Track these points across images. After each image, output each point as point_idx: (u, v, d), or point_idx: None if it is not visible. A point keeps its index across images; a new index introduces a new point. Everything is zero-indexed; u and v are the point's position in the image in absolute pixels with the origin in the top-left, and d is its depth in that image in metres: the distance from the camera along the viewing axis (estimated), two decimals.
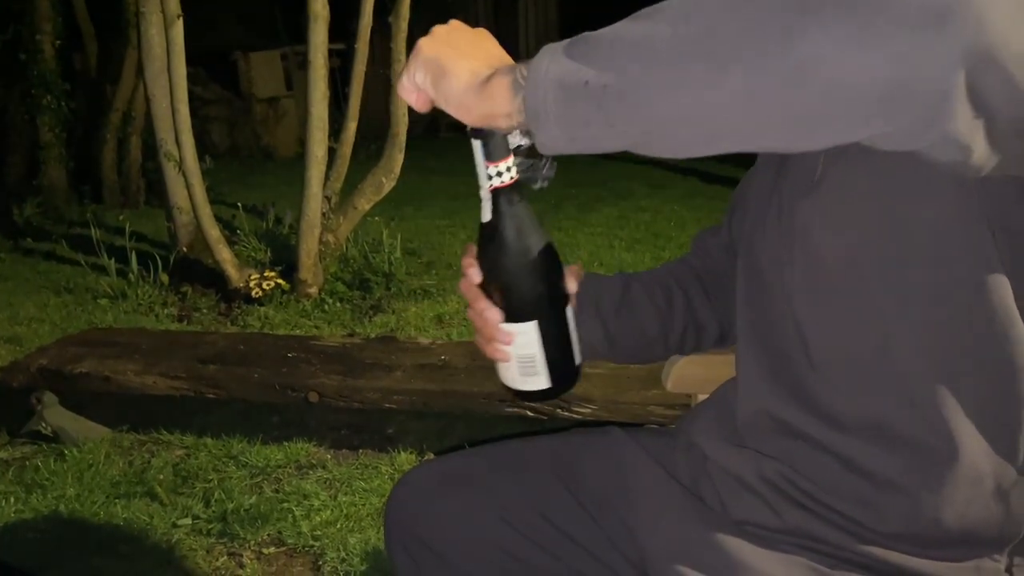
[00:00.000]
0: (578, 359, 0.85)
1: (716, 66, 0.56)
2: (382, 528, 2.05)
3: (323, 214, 4.03)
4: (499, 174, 0.76)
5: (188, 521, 2.13)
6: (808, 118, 0.55)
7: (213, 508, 2.18)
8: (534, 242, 0.79)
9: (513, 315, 0.80)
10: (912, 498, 0.73)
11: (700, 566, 0.81)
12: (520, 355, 0.82)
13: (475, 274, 0.81)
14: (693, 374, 1.08)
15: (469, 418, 2.49)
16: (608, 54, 0.61)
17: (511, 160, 0.76)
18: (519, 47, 11.02)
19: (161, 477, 2.33)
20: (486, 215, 0.78)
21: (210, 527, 2.10)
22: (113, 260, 4.27)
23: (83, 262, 4.47)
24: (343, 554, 1.97)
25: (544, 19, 10.98)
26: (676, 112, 0.59)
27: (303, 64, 3.90)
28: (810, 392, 0.79)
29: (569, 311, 0.83)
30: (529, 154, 0.77)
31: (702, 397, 1.13)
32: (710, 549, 0.82)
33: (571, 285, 0.85)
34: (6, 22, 6.32)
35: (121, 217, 4.71)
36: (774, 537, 0.80)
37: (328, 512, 2.14)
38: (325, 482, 2.30)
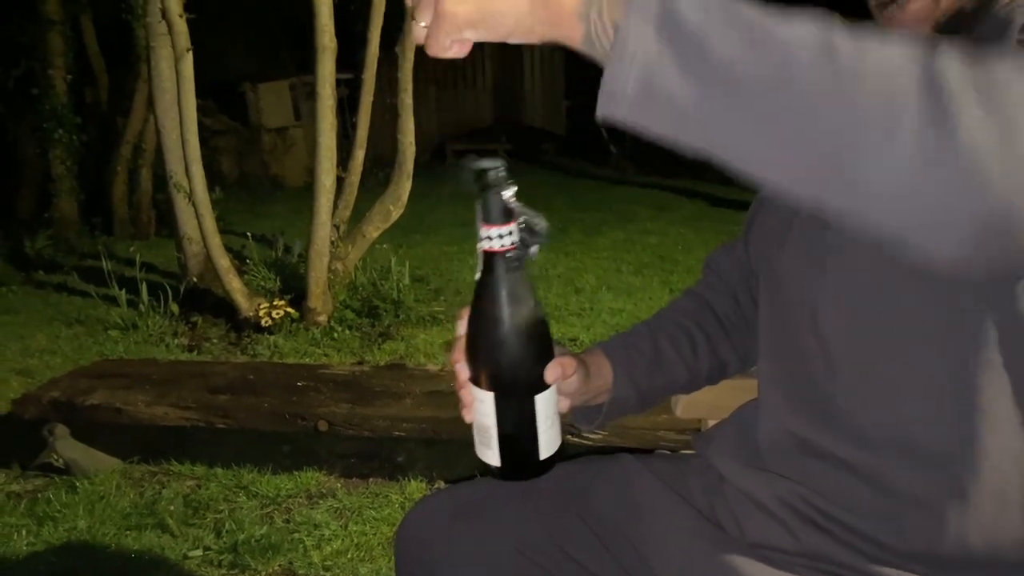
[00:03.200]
0: (544, 452, 0.80)
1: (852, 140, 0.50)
2: (393, 558, 2.05)
3: (332, 242, 4.05)
4: (490, 238, 0.74)
5: (199, 552, 2.13)
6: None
7: (224, 539, 2.17)
8: (513, 315, 0.76)
9: (476, 379, 0.78)
10: (936, 515, 0.72)
11: None
12: (479, 422, 0.79)
13: (461, 325, 0.80)
14: (702, 400, 1.08)
15: None
16: (720, 74, 0.51)
17: (507, 229, 0.74)
18: (524, 81, 11.11)
19: (172, 508, 2.33)
20: (477, 272, 0.77)
21: (221, 558, 2.10)
22: (124, 291, 4.29)
23: (94, 293, 4.51)
24: None
25: (551, 64, 11.08)
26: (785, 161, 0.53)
27: (311, 94, 3.96)
28: (833, 409, 0.79)
29: (544, 400, 0.78)
30: (528, 236, 0.77)
31: (711, 422, 1.13)
32: (723, 573, 0.82)
33: (551, 375, 0.79)
34: (18, 57, 6.42)
35: (132, 248, 4.75)
36: (790, 560, 0.80)
37: (339, 542, 2.13)
38: (335, 511, 2.30)
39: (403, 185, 4.24)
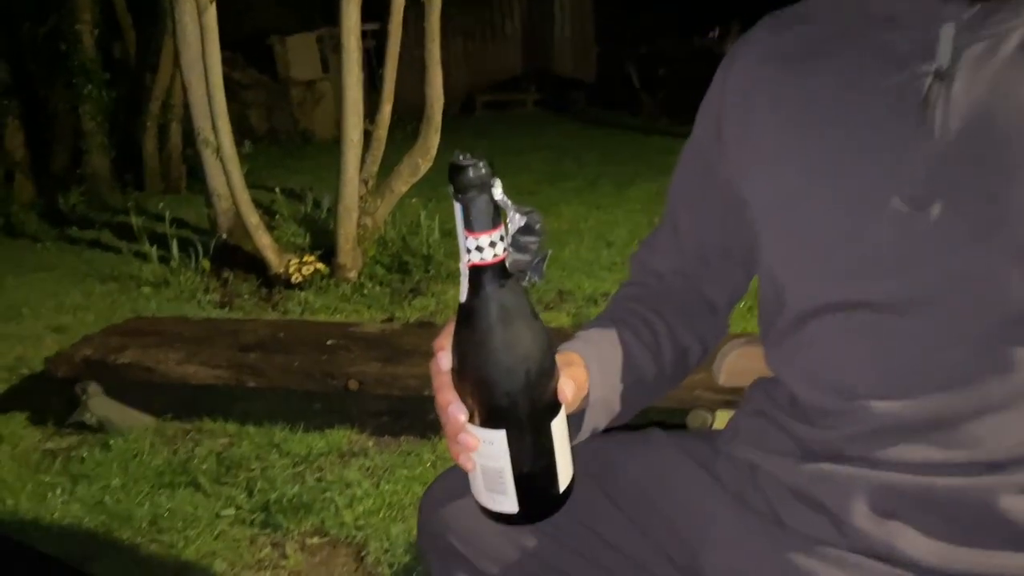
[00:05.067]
0: (563, 484, 0.71)
1: None
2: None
3: (360, 197, 4.00)
4: (479, 248, 0.63)
5: (232, 511, 2.13)
6: None
7: (256, 498, 2.17)
8: (516, 338, 0.65)
9: (480, 419, 0.67)
10: None
11: None
12: (486, 466, 0.68)
13: (445, 359, 0.68)
14: (748, 368, 1.02)
15: None
16: None
17: (497, 234, 0.63)
18: (554, 29, 10.87)
19: (204, 467, 2.34)
20: (463, 295, 0.66)
21: (253, 517, 2.10)
22: (155, 248, 4.30)
23: (126, 250, 4.52)
24: (386, 544, 1.95)
25: (581, 10, 10.80)
26: None
27: (338, 46, 3.87)
28: (940, 374, 0.70)
29: (558, 424, 0.69)
30: (524, 237, 0.65)
31: None
32: (771, 562, 0.77)
33: (565, 393, 0.71)
34: (46, 13, 6.39)
35: (161, 205, 4.75)
36: (837, 554, 0.75)
37: (371, 501, 2.12)
38: (367, 470, 2.29)
39: (431, 138, 4.16)
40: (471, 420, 0.68)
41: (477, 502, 0.73)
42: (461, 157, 0.63)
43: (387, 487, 2.18)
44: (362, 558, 1.93)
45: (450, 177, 0.62)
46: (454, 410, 0.68)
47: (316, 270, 3.92)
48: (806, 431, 0.80)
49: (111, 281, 4.29)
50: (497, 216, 0.64)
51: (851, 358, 0.75)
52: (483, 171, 0.62)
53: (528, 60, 11.14)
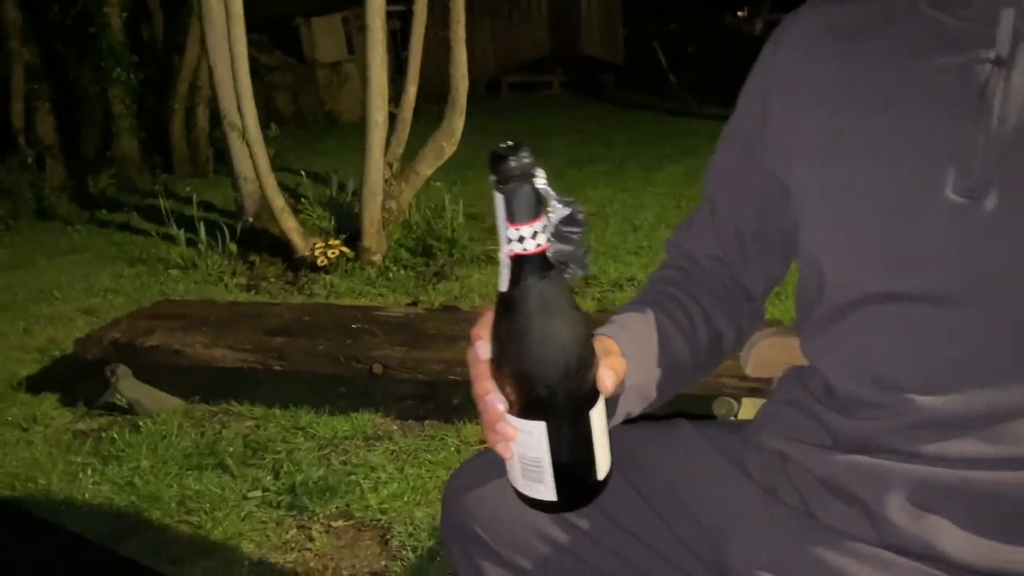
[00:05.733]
0: (601, 472, 0.71)
1: None
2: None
3: (385, 181, 4.00)
4: (521, 239, 0.62)
5: (258, 493, 2.15)
6: None
7: (282, 480, 2.19)
8: (557, 329, 0.65)
9: (519, 409, 0.67)
10: None
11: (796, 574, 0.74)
12: (524, 456, 0.68)
13: (484, 349, 0.68)
14: (776, 358, 1.00)
15: None
16: None
17: (539, 225, 0.63)
18: (580, 9, 10.76)
19: (231, 449, 2.36)
20: (503, 284, 0.65)
21: (280, 499, 2.12)
22: (183, 230, 4.34)
23: (155, 233, 4.57)
24: (411, 528, 1.96)
25: None
26: None
27: (364, 27, 3.86)
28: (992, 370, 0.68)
29: (598, 413, 0.69)
30: (566, 227, 0.64)
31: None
32: (801, 556, 0.75)
33: (605, 383, 0.69)
34: None
35: (189, 188, 4.78)
36: (873, 551, 0.73)
37: (395, 485, 2.13)
38: (392, 454, 2.30)
39: (456, 121, 4.15)
40: (509, 410, 0.67)
41: (513, 488, 0.72)
42: (503, 146, 0.62)
43: (411, 471, 2.19)
44: (387, 542, 1.94)
45: (491, 167, 0.61)
46: (492, 400, 0.67)
47: (341, 253, 3.93)
48: (841, 422, 0.78)
49: (140, 264, 4.34)
50: (539, 206, 0.63)
51: (893, 350, 0.73)
52: (526, 160, 0.61)
53: (555, 41, 11.07)
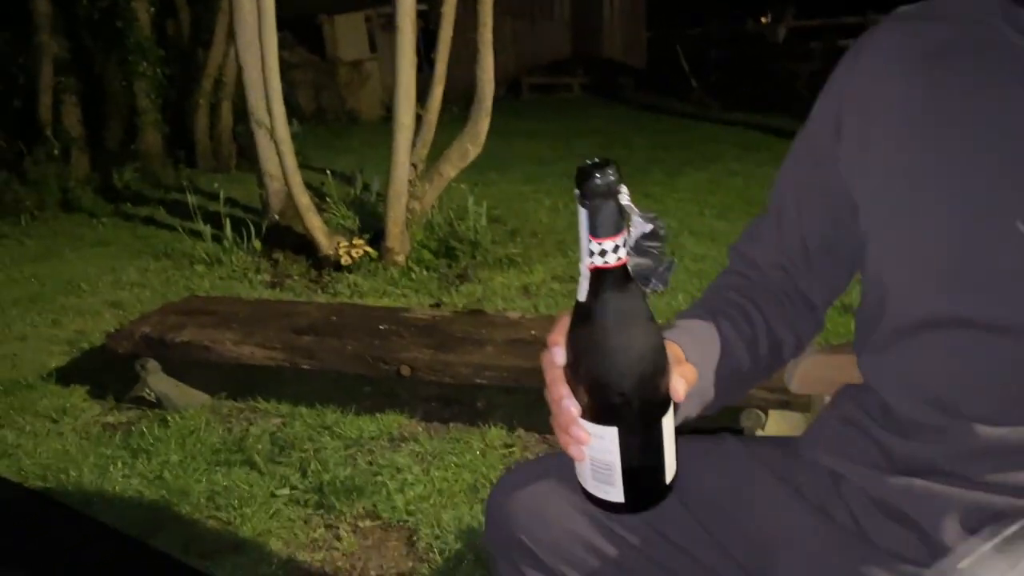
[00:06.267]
0: (669, 476, 0.73)
1: None
2: (475, 505, 2.06)
3: (409, 181, 4.03)
4: (603, 253, 0.64)
5: (286, 491, 2.17)
6: None
7: (310, 479, 2.22)
8: (634, 340, 0.67)
9: (593, 415, 0.69)
10: None
11: None
12: (595, 459, 0.71)
13: (560, 355, 0.70)
14: (821, 375, 1.01)
15: None
16: None
17: (620, 239, 0.64)
18: (603, 12, 10.75)
19: (259, 446, 2.39)
20: (581, 294, 0.67)
21: (307, 498, 2.14)
22: (208, 226, 4.38)
23: (180, 227, 4.60)
24: (437, 531, 1.97)
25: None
26: None
27: (386, 25, 3.90)
28: None
29: (668, 420, 0.71)
30: (647, 242, 0.67)
31: (827, 398, 1.06)
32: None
33: (678, 391, 0.71)
34: None
35: (216, 185, 4.83)
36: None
37: (421, 487, 2.15)
38: (417, 456, 2.32)
39: (481, 123, 4.17)
40: (583, 415, 0.70)
41: (582, 487, 0.75)
42: (589, 163, 0.64)
43: (437, 473, 2.21)
44: (413, 543, 1.96)
45: (577, 182, 0.64)
46: (567, 404, 0.69)
47: (365, 253, 3.96)
48: (898, 443, 0.79)
49: (165, 258, 4.38)
50: (621, 221, 0.65)
51: (954, 374, 0.73)
52: (611, 178, 0.63)
53: (576, 43, 11.07)
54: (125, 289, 3.91)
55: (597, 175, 0.63)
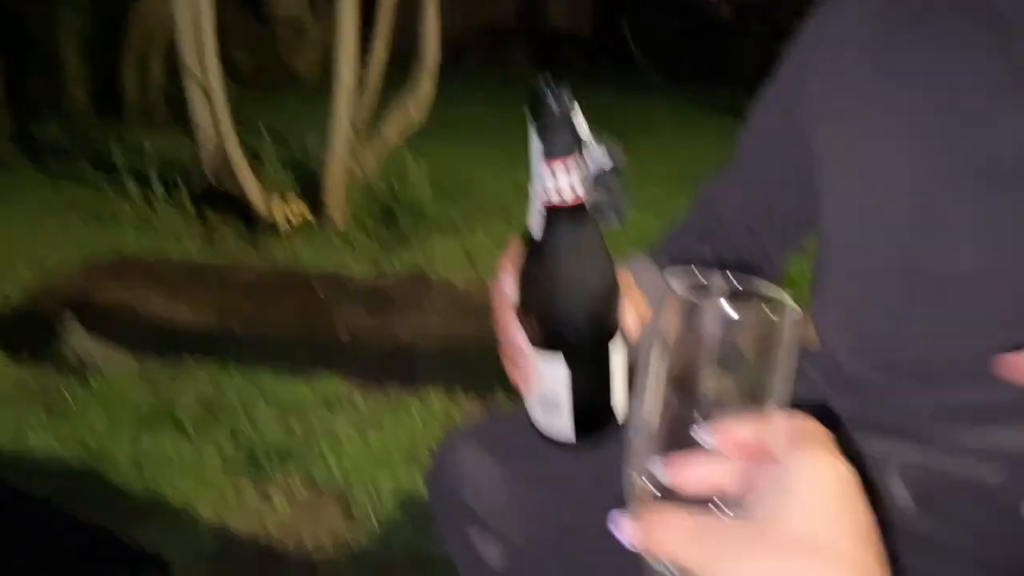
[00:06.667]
0: (619, 410, 0.71)
1: None
2: (414, 471, 2.02)
3: (349, 144, 3.92)
4: (556, 183, 0.61)
5: (216, 456, 2.10)
6: None
7: (241, 444, 2.14)
8: (587, 277, 0.65)
9: (542, 348, 0.67)
10: None
11: None
12: (543, 392, 0.69)
13: (509, 284, 0.67)
14: None
15: (501, 362, 2.43)
16: None
17: (574, 169, 0.60)
18: None
19: (188, 410, 2.30)
20: (535, 229, 0.64)
21: (238, 464, 2.07)
22: (137, 185, 4.19)
23: (106, 185, 4.39)
24: (374, 496, 1.93)
25: None
26: None
27: None
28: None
29: (617, 352, 0.69)
30: (604, 172, 0.64)
31: None
32: None
33: (633, 325, 0.69)
34: None
35: (146, 142, 4.62)
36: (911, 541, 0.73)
37: (358, 452, 2.10)
38: (354, 421, 2.26)
39: (425, 84, 4.07)
40: (532, 347, 0.68)
41: (532, 421, 0.73)
42: (542, 84, 0.61)
43: (375, 439, 2.16)
44: (350, 509, 1.91)
45: (528, 105, 0.61)
46: (515, 336, 0.67)
47: (303, 216, 3.84)
48: (849, 405, 0.78)
49: (90, 217, 4.18)
50: (576, 143, 0.62)
51: (910, 333, 0.72)
52: (565, 101, 0.60)
53: (521, 12, 10.95)
54: (46, 247, 3.71)
55: (550, 94, 0.60)
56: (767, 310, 0.42)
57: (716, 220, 0.94)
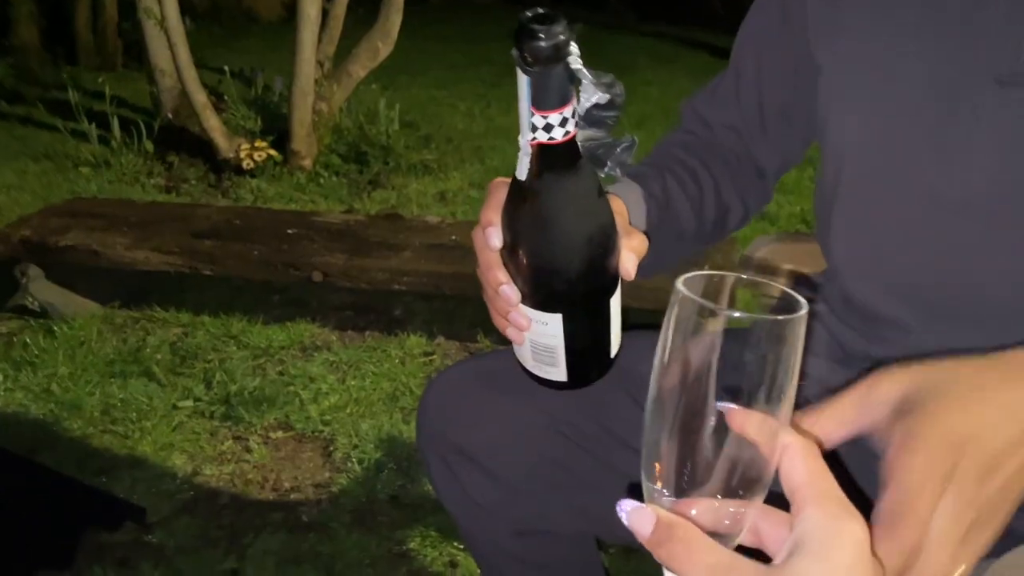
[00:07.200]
0: (613, 351, 0.67)
1: None
2: (395, 414, 1.98)
3: (316, 81, 3.77)
4: (547, 127, 0.54)
5: (189, 403, 2.03)
6: None
7: (215, 390, 2.08)
8: (582, 224, 0.58)
9: (536, 302, 0.62)
10: None
11: None
12: (537, 342, 0.64)
13: (495, 237, 0.61)
14: (780, 264, 0.95)
15: (481, 301, 2.38)
16: None
17: (569, 110, 0.54)
18: None
19: (158, 357, 2.23)
20: (521, 172, 0.57)
21: (213, 409, 2.01)
22: (94, 126, 4.02)
23: (62, 127, 4.21)
24: (355, 440, 1.89)
25: None
26: None
27: None
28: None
29: (616, 299, 0.64)
30: (600, 112, 0.56)
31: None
32: None
33: (628, 270, 0.64)
34: None
35: (100, 80, 4.42)
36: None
37: (337, 396, 2.04)
38: (332, 365, 2.20)
39: (392, 19, 3.92)
40: (524, 300, 0.62)
41: (522, 366, 0.69)
42: (531, 14, 0.51)
43: (353, 383, 2.11)
44: (329, 453, 1.87)
45: (517, 41, 0.51)
46: (506, 291, 0.62)
47: (268, 156, 3.72)
48: (854, 337, 0.75)
49: (46, 160, 4.02)
50: (570, 89, 0.54)
51: (915, 258, 0.69)
52: (560, 36, 0.51)
53: None
54: (1, 193, 3.57)
55: (541, 33, 0.50)
56: (777, 310, 0.41)
57: (706, 128, 0.89)
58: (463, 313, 2.39)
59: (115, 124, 3.96)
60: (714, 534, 0.42)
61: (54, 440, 1.89)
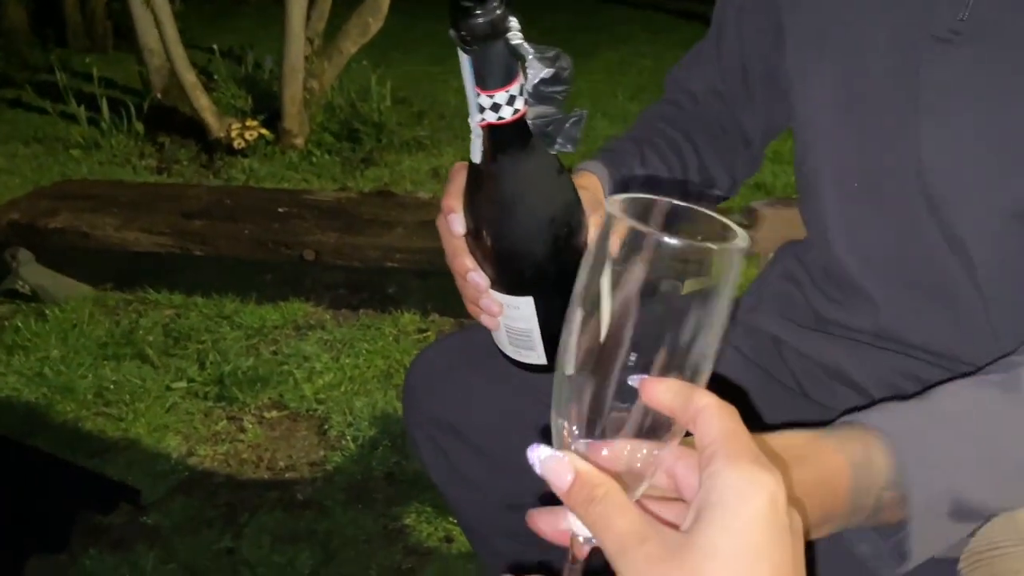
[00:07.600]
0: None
1: None
2: (389, 392, 1.97)
3: (306, 58, 3.73)
4: (495, 107, 0.53)
5: (183, 384, 2.02)
6: None
7: (208, 370, 2.07)
8: (542, 204, 0.58)
9: (505, 286, 0.61)
10: None
11: None
12: (512, 327, 0.64)
13: (458, 223, 0.61)
14: (768, 232, 0.94)
15: None
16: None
17: (515, 88, 0.53)
18: None
19: (151, 338, 2.21)
20: (476, 155, 0.57)
21: (207, 390, 2.00)
22: (83, 108, 3.98)
23: (51, 110, 4.18)
24: (350, 418, 1.88)
25: None
26: None
27: None
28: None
29: None
30: (547, 88, 0.55)
31: (770, 255, 0.99)
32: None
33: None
34: None
35: (88, 60, 4.38)
36: None
37: (331, 375, 2.03)
38: (326, 344, 2.19)
39: None
40: (493, 286, 0.61)
41: (501, 352, 0.68)
42: (465, 2, 0.50)
43: (347, 361, 2.10)
44: (324, 432, 1.86)
45: (453, 20, 0.50)
46: (475, 277, 0.62)
47: (260, 135, 3.69)
48: (833, 308, 0.75)
49: (35, 143, 3.98)
50: (514, 66, 0.53)
51: (887, 229, 0.68)
52: (497, 13, 0.50)
53: None
54: None
55: (477, 10, 0.50)
56: (712, 238, 0.37)
57: (689, 97, 0.87)
58: (457, 290, 2.37)
59: (104, 105, 3.91)
60: (627, 475, 0.39)
61: (48, 423, 1.89)
